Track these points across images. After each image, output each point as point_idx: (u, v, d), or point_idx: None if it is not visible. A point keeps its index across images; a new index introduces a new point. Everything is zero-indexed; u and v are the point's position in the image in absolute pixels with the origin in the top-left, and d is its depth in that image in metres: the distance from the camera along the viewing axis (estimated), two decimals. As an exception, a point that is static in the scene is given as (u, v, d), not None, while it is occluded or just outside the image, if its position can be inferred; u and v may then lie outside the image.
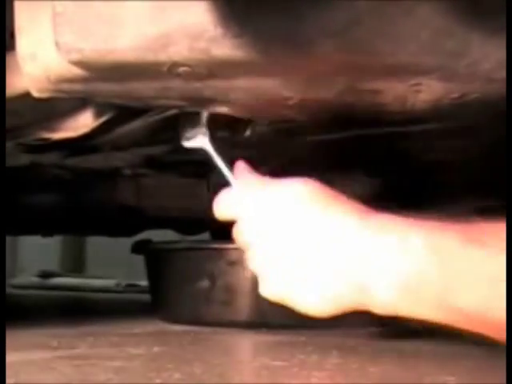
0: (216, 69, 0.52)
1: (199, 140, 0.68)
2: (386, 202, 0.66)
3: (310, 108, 0.64)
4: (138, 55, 0.51)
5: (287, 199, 0.59)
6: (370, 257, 0.54)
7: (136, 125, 0.74)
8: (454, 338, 0.85)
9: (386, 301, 0.55)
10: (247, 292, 0.87)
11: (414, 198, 1.00)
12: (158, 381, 0.51)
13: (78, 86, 0.57)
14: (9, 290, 1.70)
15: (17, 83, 0.62)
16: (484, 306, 0.51)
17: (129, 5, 0.49)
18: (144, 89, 0.57)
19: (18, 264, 2.41)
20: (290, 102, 0.61)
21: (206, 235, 1.42)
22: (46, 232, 1.46)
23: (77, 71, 0.54)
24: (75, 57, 0.52)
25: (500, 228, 0.52)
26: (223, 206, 0.63)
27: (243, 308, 0.88)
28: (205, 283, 0.90)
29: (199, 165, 0.90)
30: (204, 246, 0.98)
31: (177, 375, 0.53)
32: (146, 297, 1.07)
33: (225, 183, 0.76)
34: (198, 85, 0.55)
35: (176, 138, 0.80)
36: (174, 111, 0.71)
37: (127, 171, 1.00)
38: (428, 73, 0.54)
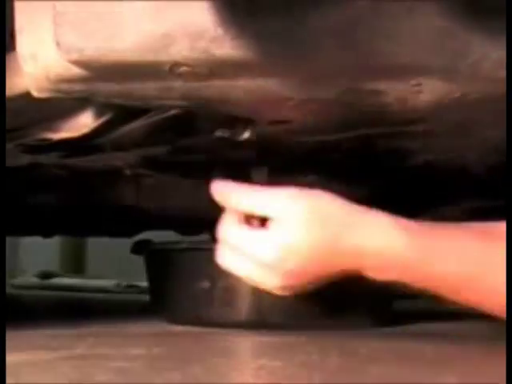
0: (217, 69, 0.52)
1: None
2: (384, 203, 0.67)
3: (310, 108, 0.64)
4: (139, 55, 0.51)
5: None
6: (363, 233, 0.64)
7: (136, 125, 0.74)
8: (454, 338, 0.85)
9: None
10: (247, 293, 0.86)
11: (410, 200, 1.00)
12: (158, 381, 0.51)
13: (78, 86, 0.57)
14: (9, 290, 1.69)
15: (17, 83, 0.62)
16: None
17: (129, 4, 0.49)
18: (144, 89, 0.57)
19: (18, 264, 2.41)
20: (291, 103, 0.61)
21: (206, 236, 1.42)
22: (46, 232, 1.46)
23: (77, 71, 0.54)
24: (76, 56, 0.52)
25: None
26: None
27: (243, 308, 0.88)
28: (205, 284, 0.89)
29: (199, 165, 0.90)
30: (205, 246, 0.95)
31: (177, 375, 0.53)
32: (146, 297, 1.07)
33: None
34: (198, 85, 0.55)
35: (176, 138, 0.80)
36: (174, 111, 0.71)
37: (127, 171, 1.00)
38: (429, 73, 0.54)
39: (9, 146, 0.78)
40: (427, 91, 0.56)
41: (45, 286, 1.93)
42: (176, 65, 0.52)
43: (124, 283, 1.80)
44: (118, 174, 1.01)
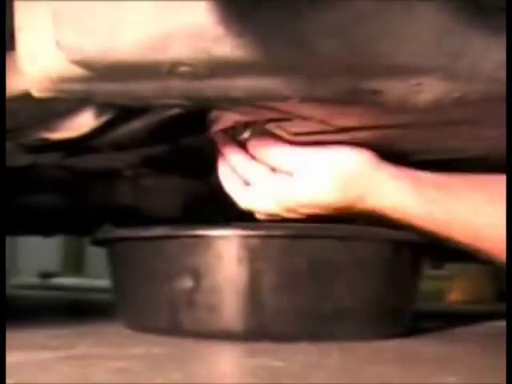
0: (217, 68, 0.52)
1: None
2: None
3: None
4: (139, 55, 0.51)
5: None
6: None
7: (136, 125, 0.74)
8: (454, 338, 0.85)
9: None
10: (241, 294, 0.71)
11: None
12: (158, 381, 0.51)
13: (78, 86, 0.57)
14: (9, 290, 1.70)
15: (17, 83, 0.62)
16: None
17: (129, 4, 0.49)
18: (145, 88, 0.57)
19: (18, 264, 2.41)
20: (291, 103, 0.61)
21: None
22: (46, 232, 1.46)
23: (77, 71, 0.54)
24: (76, 56, 0.52)
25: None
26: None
27: (235, 314, 0.71)
28: (186, 282, 0.72)
29: (199, 165, 0.90)
30: (185, 233, 0.74)
31: (177, 375, 0.53)
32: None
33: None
34: (198, 84, 0.55)
35: (176, 138, 0.80)
36: (174, 111, 0.71)
37: (127, 171, 1.00)
38: (429, 73, 0.54)
39: (9, 145, 0.78)
40: (427, 91, 0.56)
41: (45, 285, 1.94)
42: (176, 64, 0.52)
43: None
44: (117, 174, 1.01)
